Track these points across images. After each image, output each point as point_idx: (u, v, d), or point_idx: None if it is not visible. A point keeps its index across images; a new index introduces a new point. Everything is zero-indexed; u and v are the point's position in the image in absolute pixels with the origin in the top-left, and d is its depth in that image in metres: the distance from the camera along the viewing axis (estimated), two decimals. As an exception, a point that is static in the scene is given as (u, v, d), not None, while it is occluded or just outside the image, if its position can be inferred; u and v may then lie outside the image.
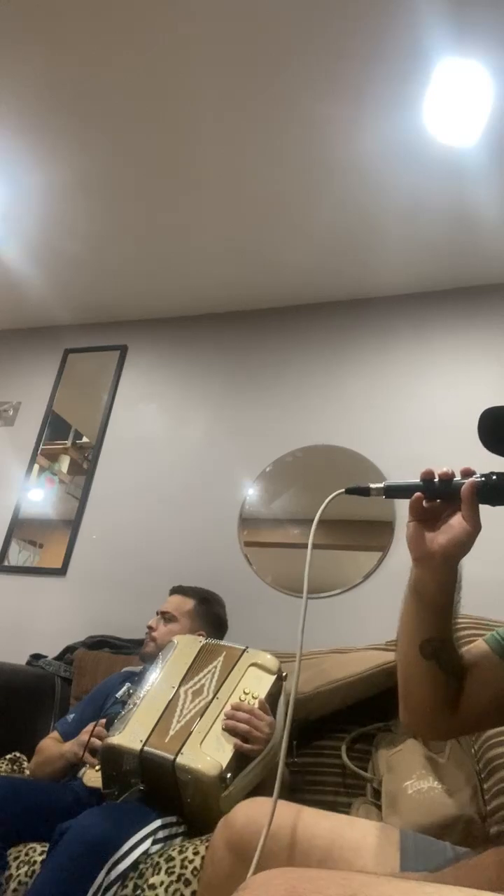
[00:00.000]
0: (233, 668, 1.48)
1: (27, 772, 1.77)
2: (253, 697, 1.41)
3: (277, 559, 2.47)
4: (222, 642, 1.62)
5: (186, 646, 1.58)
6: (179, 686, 1.46)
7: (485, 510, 0.85)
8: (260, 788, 1.35)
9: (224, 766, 1.27)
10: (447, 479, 0.86)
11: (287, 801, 0.86)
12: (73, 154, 2.33)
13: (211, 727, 1.34)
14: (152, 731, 1.35)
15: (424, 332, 2.69)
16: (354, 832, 0.82)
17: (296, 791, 1.62)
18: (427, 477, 0.87)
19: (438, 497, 0.87)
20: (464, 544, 0.85)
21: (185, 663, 1.52)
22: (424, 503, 0.88)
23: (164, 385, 3.05)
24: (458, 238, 2.46)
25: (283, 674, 1.49)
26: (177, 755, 1.28)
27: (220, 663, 1.50)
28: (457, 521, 0.85)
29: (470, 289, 2.69)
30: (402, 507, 2.43)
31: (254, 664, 1.48)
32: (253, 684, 1.44)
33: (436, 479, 0.87)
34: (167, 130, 2.19)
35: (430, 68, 1.86)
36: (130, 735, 1.35)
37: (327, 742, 1.69)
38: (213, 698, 1.41)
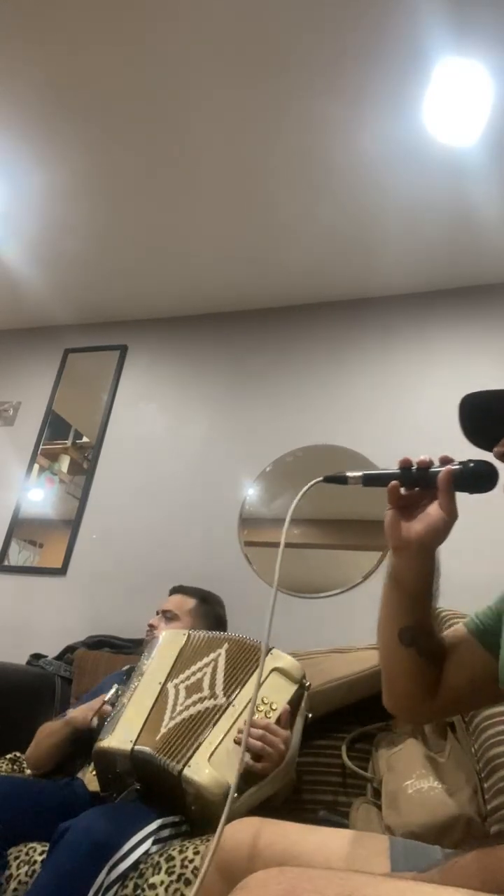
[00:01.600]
0: (252, 670, 1.40)
1: (27, 772, 1.77)
2: (272, 709, 1.33)
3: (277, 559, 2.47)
4: (220, 633, 1.58)
5: (171, 639, 1.56)
6: (166, 681, 1.43)
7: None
8: (269, 801, 1.34)
9: (231, 786, 1.21)
10: (425, 466, 0.87)
11: (273, 820, 0.86)
12: (74, 154, 2.33)
13: (222, 740, 1.28)
14: (141, 729, 1.34)
15: (425, 331, 2.69)
16: (343, 844, 0.82)
17: (296, 791, 1.62)
18: (405, 465, 0.88)
19: (416, 485, 0.88)
20: (440, 532, 0.85)
21: (170, 658, 1.49)
22: (402, 491, 0.88)
23: (164, 385, 3.05)
24: (458, 238, 2.46)
25: (307, 683, 1.42)
26: (184, 766, 1.25)
27: (221, 657, 1.45)
28: (433, 510, 0.85)
29: (470, 288, 2.69)
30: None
31: (276, 669, 1.39)
32: (273, 693, 1.35)
33: (413, 468, 0.87)
34: (167, 131, 2.19)
35: (430, 68, 1.86)
36: (120, 737, 1.34)
37: (327, 742, 1.69)
38: (227, 705, 1.34)
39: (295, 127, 2.10)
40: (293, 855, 0.80)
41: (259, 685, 1.37)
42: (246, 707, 1.33)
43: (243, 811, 1.26)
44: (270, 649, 1.43)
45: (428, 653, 0.91)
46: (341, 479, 0.91)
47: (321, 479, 0.92)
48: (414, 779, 1.34)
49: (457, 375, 2.55)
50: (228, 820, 1.21)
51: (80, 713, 1.59)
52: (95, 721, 1.49)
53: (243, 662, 1.43)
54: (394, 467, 0.89)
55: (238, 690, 1.37)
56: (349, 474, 0.91)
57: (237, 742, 1.27)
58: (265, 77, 1.96)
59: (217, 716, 1.33)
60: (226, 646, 1.48)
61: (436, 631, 0.93)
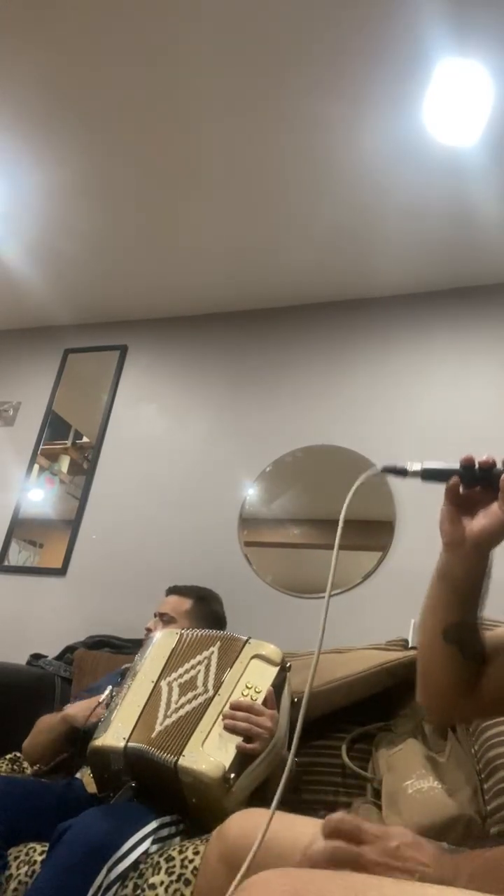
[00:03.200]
0: (235, 660, 1.44)
1: (27, 772, 1.77)
2: (256, 692, 1.38)
3: (277, 559, 2.47)
4: (213, 631, 1.59)
5: (164, 639, 1.56)
6: (159, 680, 1.44)
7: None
8: (265, 785, 1.35)
9: (227, 767, 1.25)
10: (487, 467, 0.85)
11: (281, 812, 0.86)
12: (74, 154, 2.33)
13: (213, 726, 1.32)
14: (134, 726, 1.34)
15: (425, 331, 2.69)
16: None
17: (296, 791, 1.62)
18: (467, 463, 0.86)
19: (476, 484, 0.86)
20: (498, 534, 0.84)
21: (162, 656, 1.50)
22: (461, 489, 0.86)
23: (165, 385, 3.05)
24: (458, 238, 2.46)
25: (287, 664, 1.47)
26: (178, 757, 1.27)
27: (214, 654, 1.47)
28: (493, 511, 0.84)
29: (470, 289, 2.69)
30: (403, 507, 2.44)
31: (256, 656, 1.44)
32: (255, 678, 1.40)
33: (476, 466, 0.85)
34: (167, 131, 2.19)
35: (430, 68, 1.86)
36: (113, 734, 1.34)
37: (327, 742, 1.69)
38: (214, 694, 1.38)
39: (295, 127, 2.10)
40: (299, 848, 0.80)
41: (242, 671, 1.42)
42: (231, 694, 1.37)
43: (242, 795, 1.28)
44: (248, 639, 1.48)
45: (471, 652, 0.90)
46: (401, 472, 0.88)
47: (378, 468, 0.88)
48: (414, 779, 1.35)
49: (457, 375, 2.55)
50: (231, 802, 1.23)
51: (77, 710, 1.58)
52: (91, 723, 1.48)
53: (231, 657, 1.47)
54: (453, 464, 0.86)
55: (223, 681, 1.41)
56: (409, 467, 0.87)
57: (227, 728, 1.31)
58: (265, 77, 1.96)
59: (206, 707, 1.36)
60: (218, 643, 1.50)
61: (480, 631, 0.91)
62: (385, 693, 1.68)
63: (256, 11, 1.79)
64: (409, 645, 1.84)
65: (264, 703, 1.36)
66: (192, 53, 1.93)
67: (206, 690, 1.40)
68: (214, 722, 1.33)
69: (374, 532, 2.35)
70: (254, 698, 1.36)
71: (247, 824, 0.85)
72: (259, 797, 1.31)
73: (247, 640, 1.48)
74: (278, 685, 1.42)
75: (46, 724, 1.65)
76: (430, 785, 1.31)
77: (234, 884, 0.64)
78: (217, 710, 1.35)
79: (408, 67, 1.87)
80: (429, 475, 0.87)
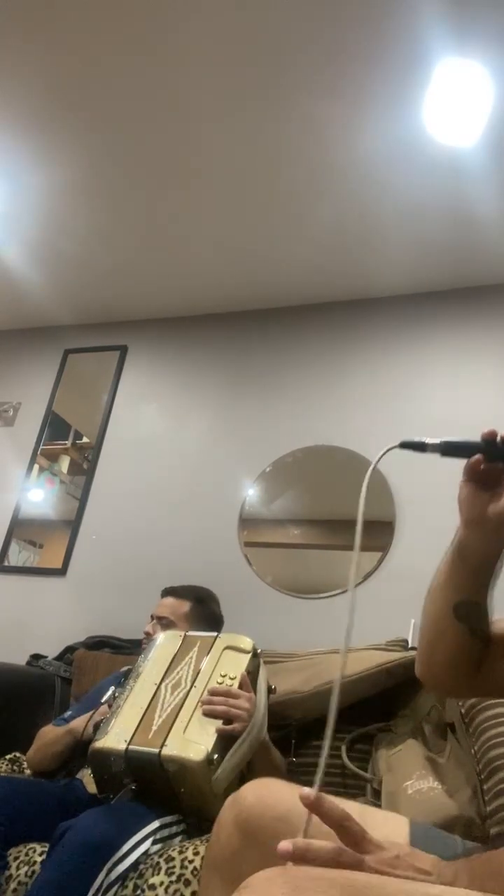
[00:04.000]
0: (207, 654, 1.49)
1: (27, 772, 1.77)
2: (231, 678, 1.41)
3: (277, 559, 2.47)
4: (197, 633, 1.62)
5: (168, 641, 1.59)
6: (161, 682, 1.47)
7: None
8: (252, 772, 1.35)
9: (209, 749, 1.27)
10: None
11: (292, 784, 0.86)
12: (74, 154, 2.33)
13: (192, 715, 1.35)
14: (136, 729, 1.36)
15: (424, 332, 2.69)
16: (364, 821, 0.82)
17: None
18: (489, 437, 0.83)
19: (499, 459, 0.83)
20: None
21: (166, 659, 1.52)
22: (483, 465, 0.83)
23: (164, 385, 3.05)
24: (458, 238, 2.46)
25: (258, 650, 1.52)
26: (161, 747, 1.29)
27: (195, 653, 1.51)
28: None
29: (470, 289, 2.69)
30: (403, 507, 2.43)
31: (228, 647, 1.50)
32: (229, 666, 1.45)
33: (498, 440, 0.82)
34: (167, 130, 2.19)
35: (430, 68, 1.86)
36: (115, 737, 1.35)
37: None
38: (190, 688, 1.42)
39: (295, 127, 2.10)
40: (317, 823, 0.80)
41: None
42: (207, 684, 1.42)
43: (228, 778, 1.30)
44: (217, 635, 1.54)
45: (479, 631, 0.90)
46: (419, 446, 0.84)
47: (397, 444, 0.84)
48: (414, 779, 1.35)
49: (457, 376, 2.55)
50: (218, 785, 1.23)
51: (81, 723, 1.60)
52: (91, 728, 1.49)
53: (205, 651, 1.52)
54: (474, 439, 0.84)
55: (199, 674, 1.46)
56: (428, 441, 0.84)
57: (206, 714, 1.34)
58: (265, 77, 1.96)
59: (184, 700, 1.40)
60: (198, 643, 1.55)
61: (488, 610, 0.91)
62: (385, 693, 1.68)
63: (256, 12, 1.79)
64: (410, 645, 1.84)
65: (240, 687, 1.40)
66: (192, 54, 1.93)
67: (185, 686, 1.44)
68: (193, 711, 1.36)
69: (374, 532, 2.35)
70: (229, 684, 1.40)
71: (262, 791, 0.85)
72: (245, 782, 1.32)
73: (217, 636, 1.54)
74: (252, 671, 1.47)
75: (52, 737, 1.66)
76: (429, 785, 1.31)
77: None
78: (195, 700, 1.39)
79: (408, 67, 1.87)
80: (449, 449, 0.84)
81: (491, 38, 1.77)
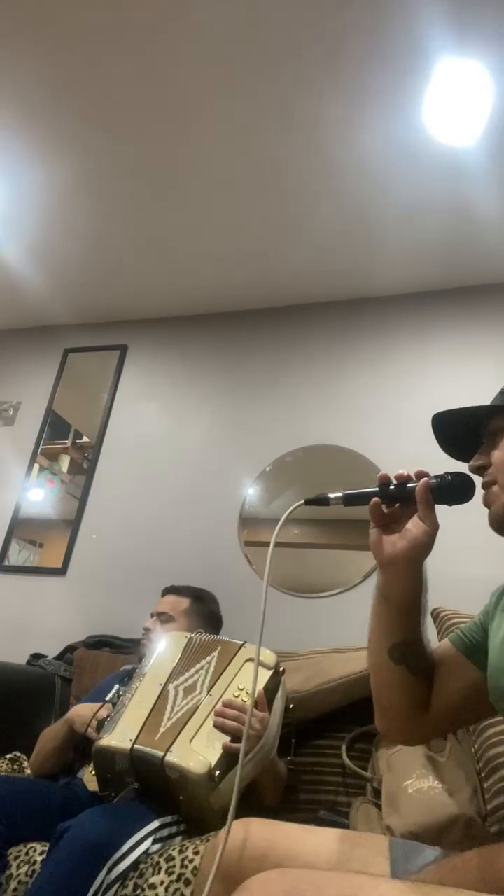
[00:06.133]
0: (229, 663, 1.46)
1: (27, 772, 1.77)
2: (247, 694, 1.38)
3: (277, 559, 2.46)
4: (217, 637, 1.60)
5: (173, 642, 1.57)
6: (167, 683, 1.45)
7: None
8: (254, 786, 1.35)
9: (213, 765, 1.26)
10: (402, 482, 0.88)
11: (270, 820, 0.86)
12: (74, 154, 2.33)
13: (202, 724, 1.33)
14: (141, 729, 1.35)
15: (424, 331, 2.69)
16: (342, 845, 0.82)
17: (295, 791, 1.63)
18: (383, 482, 0.89)
19: (395, 500, 0.89)
20: (424, 545, 0.85)
21: (172, 659, 1.51)
22: (384, 508, 0.89)
23: (164, 385, 3.05)
24: (457, 238, 2.46)
25: (281, 668, 1.48)
26: (166, 753, 1.28)
27: (214, 658, 1.49)
28: (415, 524, 0.86)
29: (470, 288, 2.69)
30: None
31: (250, 659, 1.46)
32: (248, 680, 1.41)
33: (392, 484, 0.88)
34: (167, 130, 2.18)
35: (430, 68, 1.86)
36: (120, 735, 1.35)
37: (327, 742, 1.69)
38: (206, 695, 1.39)
39: (295, 127, 2.10)
40: (293, 855, 0.80)
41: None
42: (223, 694, 1.39)
43: (229, 795, 1.27)
44: (244, 643, 1.50)
45: (418, 669, 0.91)
46: (323, 501, 0.93)
47: (302, 502, 0.94)
48: (414, 778, 1.35)
49: (456, 375, 2.55)
50: (217, 800, 1.22)
51: (81, 711, 1.58)
52: (91, 730, 1.48)
53: (227, 660, 1.48)
54: (374, 485, 0.90)
55: (216, 682, 1.43)
56: (330, 495, 0.93)
57: (216, 726, 1.32)
58: (265, 77, 1.96)
59: (197, 707, 1.37)
60: (219, 648, 1.52)
61: (425, 647, 0.93)
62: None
63: (256, 12, 1.79)
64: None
65: (255, 705, 1.36)
66: (192, 54, 1.93)
67: (201, 692, 1.41)
68: (204, 720, 1.34)
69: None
70: (244, 699, 1.37)
71: (239, 835, 0.83)
72: (247, 800, 1.31)
73: (242, 644, 1.50)
74: (271, 689, 1.43)
75: (51, 735, 1.65)
76: (429, 784, 1.31)
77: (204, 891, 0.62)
78: (207, 709, 1.36)
79: (408, 67, 1.87)
80: (350, 500, 0.92)
81: (491, 38, 1.77)
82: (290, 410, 2.71)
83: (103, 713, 1.49)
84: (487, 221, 2.35)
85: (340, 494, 0.92)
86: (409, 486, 0.87)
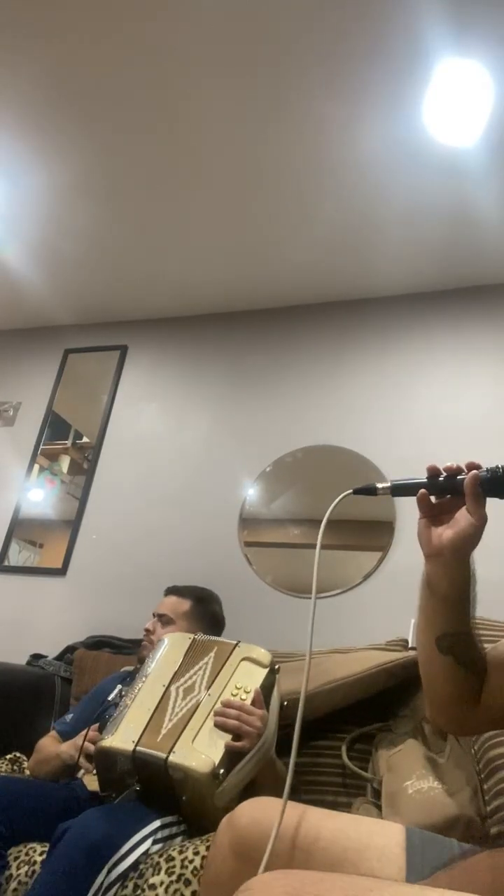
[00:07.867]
0: (224, 662, 1.48)
1: (27, 772, 1.77)
2: (245, 692, 1.40)
3: (277, 559, 2.47)
4: (213, 637, 1.61)
5: (176, 643, 1.58)
6: (170, 684, 1.45)
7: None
8: (254, 784, 1.35)
9: (216, 763, 1.26)
10: (452, 474, 0.86)
11: (293, 801, 0.86)
12: (74, 154, 2.33)
13: (203, 724, 1.34)
14: (144, 730, 1.35)
15: (424, 331, 2.69)
16: (360, 833, 0.81)
17: (295, 791, 1.62)
18: (432, 473, 0.88)
19: (444, 492, 0.88)
20: (471, 537, 0.84)
21: (174, 661, 1.51)
22: (432, 499, 0.88)
23: (165, 385, 3.05)
24: (458, 238, 2.46)
25: (276, 667, 1.50)
26: (169, 753, 1.28)
27: (211, 659, 1.50)
28: (462, 515, 0.85)
29: (470, 289, 2.69)
30: (403, 507, 2.44)
31: (246, 658, 1.48)
32: (245, 679, 1.43)
33: (441, 475, 0.87)
34: (167, 130, 2.18)
35: (430, 68, 1.86)
36: (122, 736, 1.35)
37: (327, 742, 1.69)
38: (204, 695, 1.40)
39: (295, 127, 2.10)
40: (311, 839, 0.80)
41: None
42: (221, 693, 1.40)
43: (232, 793, 1.29)
44: (237, 643, 1.52)
45: (466, 661, 0.90)
46: (371, 491, 0.91)
47: (350, 491, 0.91)
48: (414, 779, 1.35)
49: (457, 375, 2.55)
50: (221, 799, 1.23)
51: (65, 750, 1.56)
52: (82, 761, 1.47)
53: (223, 659, 1.50)
54: (422, 475, 0.89)
55: (214, 682, 1.44)
56: (378, 485, 0.90)
57: (217, 725, 1.33)
58: (265, 77, 1.96)
59: (197, 707, 1.39)
60: (215, 648, 1.53)
61: (475, 639, 0.92)
62: (385, 693, 1.68)
63: (256, 12, 1.79)
64: (409, 645, 1.84)
65: (253, 703, 1.38)
66: (192, 54, 1.93)
67: (199, 692, 1.42)
68: (205, 720, 1.35)
69: (374, 532, 2.35)
70: (243, 698, 1.39)
71: (257, 813, 0.85)
72: (248, 798, 1.31)
73: (236, 644, 1.52)
74: (267, 686, 1.45)
75: (44, 755, 1.64)
76: (430, 785, 1.31)
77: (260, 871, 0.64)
78: (207, 709, 1.37)
79: (408, 67, 1.87)
80: (398, 490, 0.90)
81: (491, 38, 1.77)
82: (290, 410, 2.71)
83: (90, 746, 1.47)
84: (487, 221, 2.35)
85: (388, 485, 0.90)
86: (458, 477, 0.86)
